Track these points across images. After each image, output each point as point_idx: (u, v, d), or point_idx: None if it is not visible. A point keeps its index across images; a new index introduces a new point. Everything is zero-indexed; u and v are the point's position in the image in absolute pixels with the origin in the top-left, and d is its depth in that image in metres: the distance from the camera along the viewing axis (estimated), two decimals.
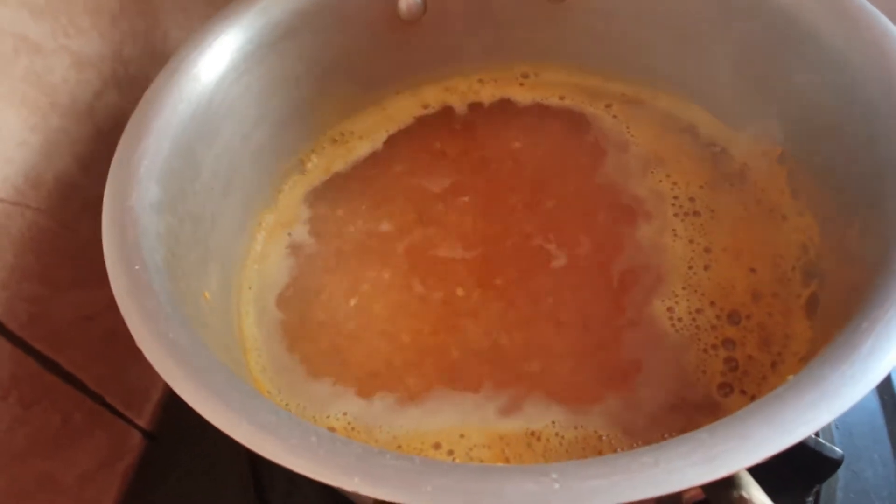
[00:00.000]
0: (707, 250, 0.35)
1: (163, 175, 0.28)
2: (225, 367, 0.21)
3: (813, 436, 0.31)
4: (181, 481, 0.39)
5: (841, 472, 0.35)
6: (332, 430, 0.31)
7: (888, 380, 0.37)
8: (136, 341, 0.22)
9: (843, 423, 0.36)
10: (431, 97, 0.44)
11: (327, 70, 0.38)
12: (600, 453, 0.29)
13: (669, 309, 0.33)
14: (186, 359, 0.21)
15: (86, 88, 0.35)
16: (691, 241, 0.35)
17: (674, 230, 0.36)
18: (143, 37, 0.39)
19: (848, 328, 0.20)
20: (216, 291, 0.31)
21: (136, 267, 0.24)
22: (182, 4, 0.41)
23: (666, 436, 0.29)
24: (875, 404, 0.36)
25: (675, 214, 0.36)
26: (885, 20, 0.27)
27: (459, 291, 0.35)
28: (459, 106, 0.44)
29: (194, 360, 0.21)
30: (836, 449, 0.30)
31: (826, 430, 0.36)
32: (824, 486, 0.33)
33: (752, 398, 0.29)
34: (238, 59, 0.33)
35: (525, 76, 0.44)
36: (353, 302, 0.35)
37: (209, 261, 0.31)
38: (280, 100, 0.37)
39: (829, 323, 0.27)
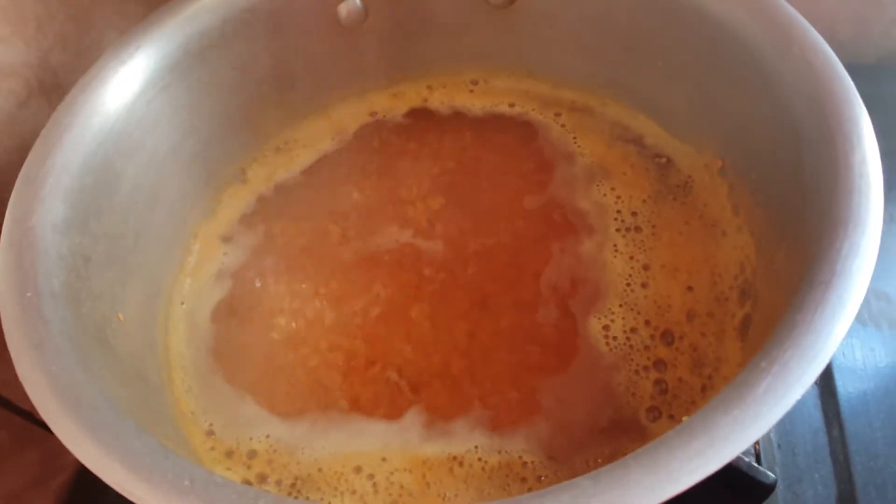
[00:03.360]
0: (646, 267, 0.34)
1: (72, 193, 0.27)
2: (111, 407, 0.20)
3: (747, 458, 0.31)
4: (118, 498, 0.38)
5: (781, 493, 0.34)
6: (253, 452, 0.30)
7: (834, 396, 0.37)
8: (17, 372, 0.21)
9: (787, 443, 0.35)
10: (379, 104, 0.43)
11: (264, 78, 0.37)
12: (523, 480, 0.28)
13: (605, 327, 0.32)
14: (66, 394, 0.20)
15: (7, 98, 0.34)
16: (631, 258, 0.34)
17: (615, 245, 0.35)
18: (75, 42, 0.38)
19: (749, 366, 0.19)
20: (134, 312, 0.30)
21: (29, 294, 0.23)
22: (118, 8, 0.40)
23: (591, 462, 0.28)
24: (819, 422, 0.36)
25: (617, 229, 0.35)
26: (818, 38, 0.27)
27: (396, 312, 0.34)
28: (408, 113, 0.43)
29: (75, 395, 0.20)
30: (770, 473, 0.30)
31: (768, 450, 0.35)
32: None
33: None
34: (163, 69, 0.32)
35: (475, 83, 0.43)
36: (286, 320, 0.34)
37: (128, 279, 0.30)
38: (213, 109, 0.36)
39: (756, 348, 0.26)
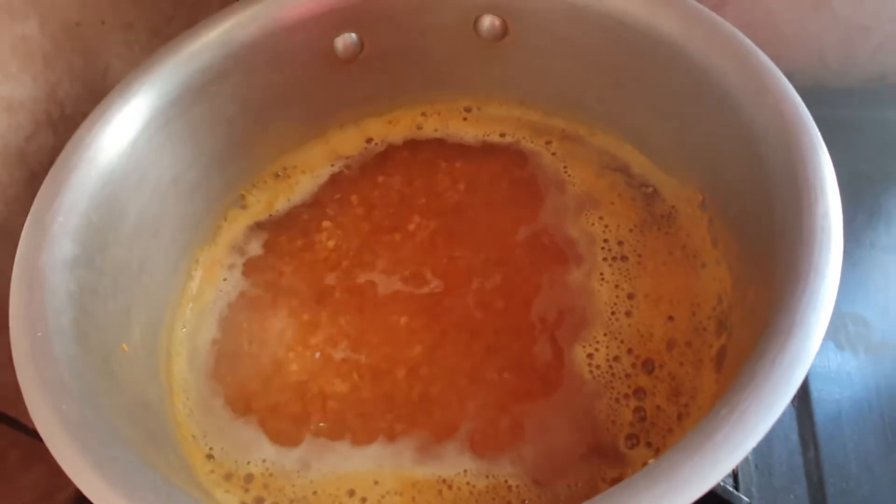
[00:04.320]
0: (630, 296, 0.35)
1: (79, 230, 0.29)
2: (117, 442, 0.22)
3: (722, 482, 0.32)
4: None
5: None
6: (251, 476, 0.31)
7: (809, 415, 0.38)
8: (28, 410, 0.22)
9: (764, 464, 0.37)
10: (375, 131, 0.44)
11: (262, 108, 0.39)
12: (508, 503, 0.30)
13: (589, 356, 0.34)
14: (74, 432, 0.22)
15: (16, 132, 0.35)
16: (617, 286, 0.36)
17: (601, 274, 0.36)
18: (81, 74, 0.39)
19: (711, 412, 0.21)
20: (138, 340, 0.31)
21: (39, 333, 0.24)
22: (124, 38, 0.41)
23: (572, 487, 0.30)
24: (795, 444, 0.37)
25: (604, 258, 0.37)
26: (789, 88, 0.28)
27: (389, 339, 0.35)
28: (403, 140, 0.44)
29: (83, 433, 0.22)
30: (744, 497, 0.31)
31: (746, 471, 0.37)
32: None
33: (657, 451, 0.30)
34: (164, 106, 0.33)
35: (468, 110, 0.44)
36: (285, 345, 0.36)
37: (132, 309, 0.32)
38: (214, 140, 0.37)
39: (729, 380, 0.28)
